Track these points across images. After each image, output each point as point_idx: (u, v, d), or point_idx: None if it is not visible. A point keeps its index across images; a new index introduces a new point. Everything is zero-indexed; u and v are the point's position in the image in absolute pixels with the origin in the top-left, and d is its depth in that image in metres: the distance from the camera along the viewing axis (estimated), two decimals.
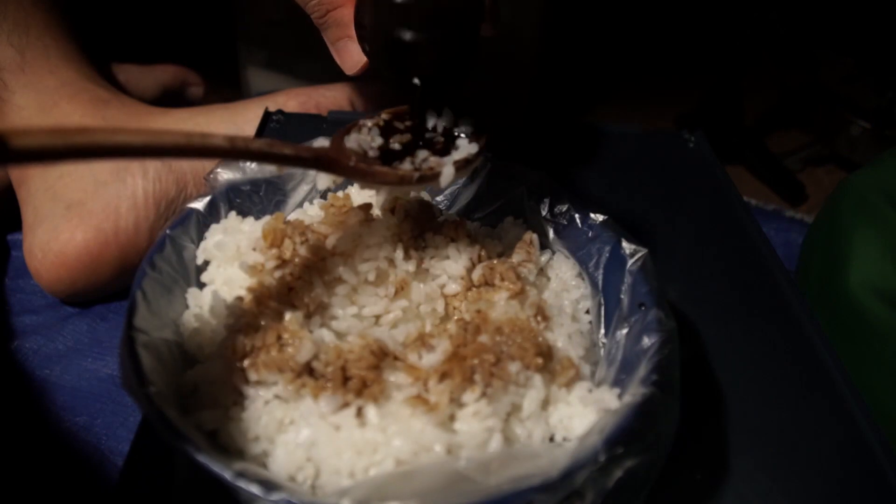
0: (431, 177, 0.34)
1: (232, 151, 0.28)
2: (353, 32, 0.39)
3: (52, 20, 0.60)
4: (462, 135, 0.37)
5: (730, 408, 0.40)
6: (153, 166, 0.56)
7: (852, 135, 0.92)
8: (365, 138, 0.35)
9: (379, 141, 0.35)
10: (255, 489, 0.25)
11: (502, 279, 0.38)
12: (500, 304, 0.36)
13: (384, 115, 0.37)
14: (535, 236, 0.41)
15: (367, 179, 0.34)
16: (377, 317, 0.36)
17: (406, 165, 0.34)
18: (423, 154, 0.35)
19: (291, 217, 0.42)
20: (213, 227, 0.39)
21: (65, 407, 0.50)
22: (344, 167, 0.33)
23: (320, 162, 0.33)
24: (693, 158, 0.61)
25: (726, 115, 1.00)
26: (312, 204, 0.43)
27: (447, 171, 0.34)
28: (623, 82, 1.10)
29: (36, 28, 0.59)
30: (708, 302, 0.46)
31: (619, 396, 0.33)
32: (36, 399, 0.50)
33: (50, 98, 0.58)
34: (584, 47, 1.05)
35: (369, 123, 0.37)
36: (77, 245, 0.54)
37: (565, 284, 0.40)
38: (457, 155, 0.35)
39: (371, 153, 0.34)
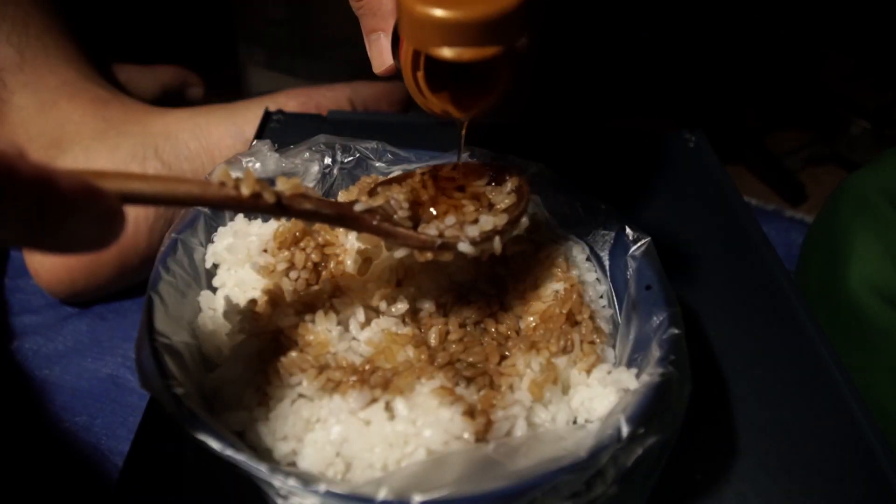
0: (453, 246, 0.33)
1: (252, 205, 0.28)
2: (389, 26, 0.36)
3: (52, 20, 0.60)
4: (497, 204, 0.36)
5: (730, 407, 0.40)
6: (152, 167, 0.56)
7: (852, 135, 0.92)
8: (396, 195, 0.34)
9: (406, 206, 0.34)
10: (294, 482, 0.26)
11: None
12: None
13: (420, 172, 0.36)
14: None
15: (389, 239, 0.33)
16: (388, 306, 0.36)
17: (431, 230, 0.33)
18: (451, 220, 0.34)
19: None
20: (222, 230, 0.40)
21: (65, 407, 0.50)
22: (367, 225, 0.32)
23: (343, 219, 0.32)
24: (693, 158, 0.61)
25: (726, 115, 1.00)
26: None
27: (463, 247, 0.33)
28: (624, 83, 1.10)
29: (35, 28, 0.59)
30: (708, 302, 0.46)
31: (637, 376, 0.33)
32: (36, 399, 0.50)
33: (49, 97, 0.58)
34: (584, 48, 1.05)
35: (401, 186, 0.35)
36: None
37: (579, 268, 0.40)
38: (476, 230, 0.34)
39: (401, 212, 0.34)
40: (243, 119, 0.61)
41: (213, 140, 0.59)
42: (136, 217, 0.55)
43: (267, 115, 0.60)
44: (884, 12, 0.96)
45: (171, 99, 0.78)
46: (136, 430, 0.35)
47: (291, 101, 0.65)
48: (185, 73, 0.81)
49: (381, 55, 0.38)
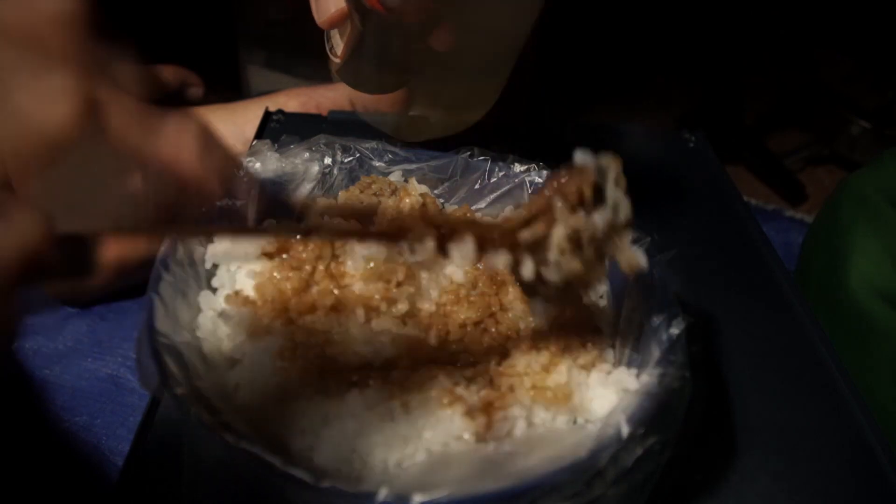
0: None
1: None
2: None
3: None
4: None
5: (730, 408, 0.40)
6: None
7: (852, 134, 0.92)
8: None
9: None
10: (304, 476, 0.26)
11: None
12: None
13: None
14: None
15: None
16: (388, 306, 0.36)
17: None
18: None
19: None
20: None
21: (65, 407, 0.50)
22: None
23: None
24: (693, 158, 0.61)
25: (726, 115, 1.00)
26: None
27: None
28: (623, 82, 1.10)
29: None
30: (707, 302, 0.46)
31: (637, 376, 0.33)
32: (36, 399, 0.50)
33: None
34: (584, 47, 1.05)
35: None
36: None
37: None
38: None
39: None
40: (243, 119, 0.61)
41: None
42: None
43: (267, 115, 0.60)
44: (883, 12, 0.96)
45: (171, 99, 0.78)
46: (136, 430, 0.35)
47: (291, 101, 0.64)
48: (185, 73, 0.81)
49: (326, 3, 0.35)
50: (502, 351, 0.35)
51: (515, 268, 0.30)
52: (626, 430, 0.28)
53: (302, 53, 0.80)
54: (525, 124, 0.65)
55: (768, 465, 0.37)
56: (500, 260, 0.30)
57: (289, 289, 0.36)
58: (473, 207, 0.45)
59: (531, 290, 0.32)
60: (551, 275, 0.30)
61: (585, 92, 1.06)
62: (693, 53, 1.08)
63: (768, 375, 0.42)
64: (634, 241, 0.38)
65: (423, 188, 0.44)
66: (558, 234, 0.29)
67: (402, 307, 0.36)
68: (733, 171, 0.82)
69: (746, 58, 1.05)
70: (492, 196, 0.45)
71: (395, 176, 0.45)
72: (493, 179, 0.45)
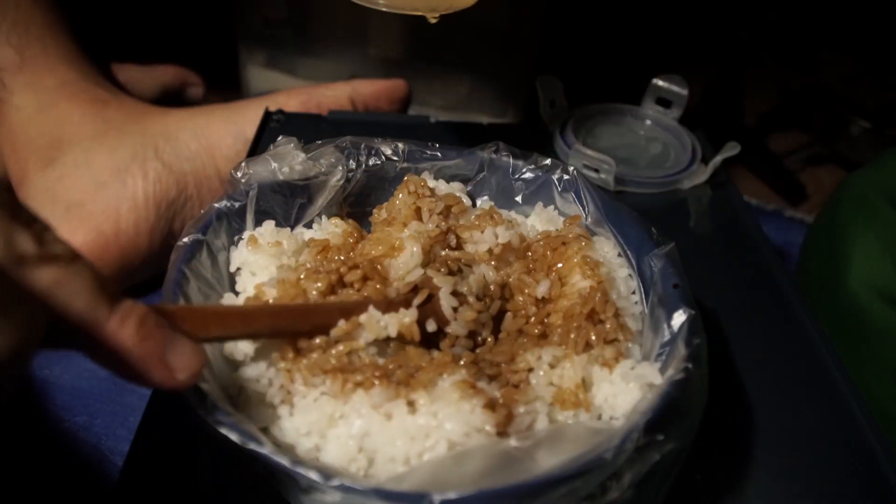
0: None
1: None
2: None
3: (52, 20, 0.60)
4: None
5: (729, 408, 0.40)
6: (153, 167, 0.56)
7: (852, 134, 0.92)
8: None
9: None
10: (314, 475, 0.26)
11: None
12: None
13: None
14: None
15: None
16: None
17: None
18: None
19: (315, 226, 0.43)
20: (247, 234, 0.40)
21: (64, 407, 0.50)
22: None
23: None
24: (692, 158, 0.61)
25: (726, 115, 1.00)
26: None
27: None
28: (623, 82, 1.10)
29: (35, 28, 0.59)
30: (707, 302, 0.46)
31: (661, 371, 0.33)
32: (36, 399, 0.50)
33: (49, 98, 0.58)
34: (584, 47, 1.05)
35: None
36: (77, 247, 0.54)
37: (609, 264, 0.40)
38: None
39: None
40: (244, 119, 0.61)
41: (214, 140, 0.59)
42: (138, 219, 0.55)
43: (267, 115, 0.60)
44: (884, 12, 0.96)
45: (171, 99, 0.78)
46: (136, 430, 0.35)
47: (292, 100, 0.64)
48: (185, 73, 0.81)
49: None
50: (525, 349, 0.35)
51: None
52: (645, 432, 0.28)
53: (302, 53, 0.81)
54: (524, 125, 0.65)
55: (768, 465, 0.37)
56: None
57: (313, 293, 0.36)
58: (503, 208, 0.45)
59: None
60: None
61: (585, 91, 1.06)
62: (692, 52, 1.08)
63: (768, 375, 0.42)
64: (658, 244, 0.39)
65: (456, 186, 0.45)
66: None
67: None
68: (733, 171, 0.82)
69: (747, 57, 1.05)
70: (522, 195, 0.46)
71: (425, 176, 0.44)
72: (518, 176, 0.45)
